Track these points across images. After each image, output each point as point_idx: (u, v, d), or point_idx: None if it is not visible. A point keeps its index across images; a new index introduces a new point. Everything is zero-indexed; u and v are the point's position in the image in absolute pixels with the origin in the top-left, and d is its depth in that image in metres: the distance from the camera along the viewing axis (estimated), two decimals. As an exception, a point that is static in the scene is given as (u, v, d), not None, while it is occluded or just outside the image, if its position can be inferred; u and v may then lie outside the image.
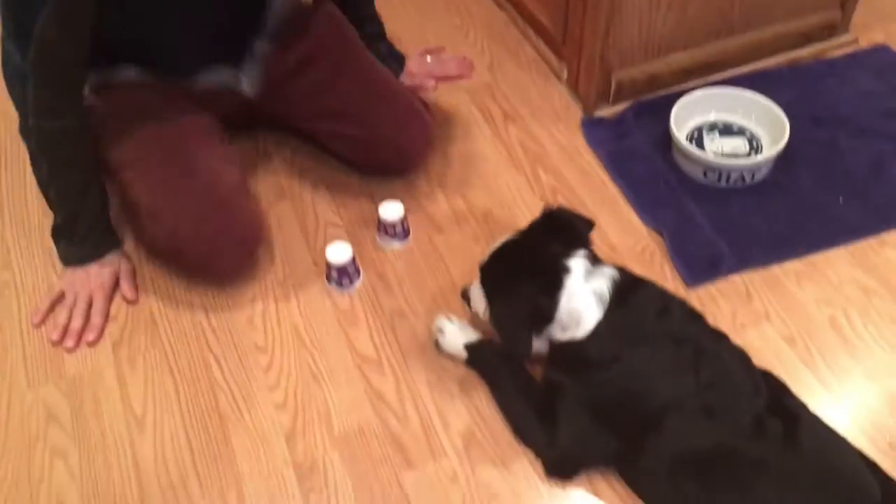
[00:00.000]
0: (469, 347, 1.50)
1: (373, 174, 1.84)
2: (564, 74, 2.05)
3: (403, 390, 1.50)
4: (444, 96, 2.04)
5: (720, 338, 1.38)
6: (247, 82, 1.68)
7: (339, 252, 1.60)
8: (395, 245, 1.71)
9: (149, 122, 1.61)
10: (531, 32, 2.17)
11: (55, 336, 1.58)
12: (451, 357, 1.52)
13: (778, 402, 1.31)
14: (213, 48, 1.63)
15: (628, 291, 1.34)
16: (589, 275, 1.34)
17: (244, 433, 1.45)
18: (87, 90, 1.54)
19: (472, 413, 1.46)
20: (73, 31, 1.39)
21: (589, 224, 1.47)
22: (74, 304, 1.60)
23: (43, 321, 1.61)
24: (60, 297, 1.62)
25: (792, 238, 1.70)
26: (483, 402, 1.47)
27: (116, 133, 1.60)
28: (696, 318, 1.39)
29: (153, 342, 1.57)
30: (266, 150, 1.92)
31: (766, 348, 1.54)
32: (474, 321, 1.55)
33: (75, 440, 1.44)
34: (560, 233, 1.40)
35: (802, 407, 1.34)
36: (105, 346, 1.57)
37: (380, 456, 1.41)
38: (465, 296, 1.52)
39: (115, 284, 1.65)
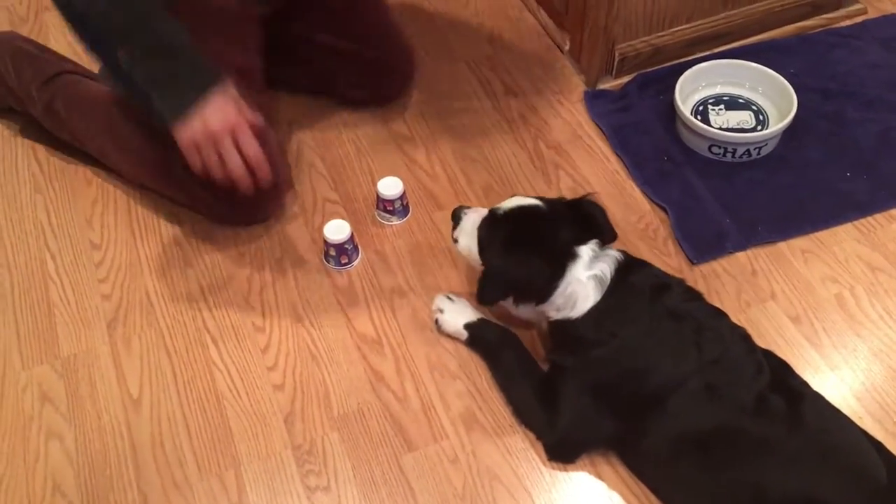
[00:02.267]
0: (469, 327, 1.47)
1: (363, 100, 1.86)
2: (567, 46, 2.00)
3: (403, 370, 1.48)
4: (444, 68, 2.00)
5: (720, 315, 1.37)
6: None
7: (337, 230, 1.57)
8: (395, 221, 1.68)
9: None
10: (532, 2, 2.12)
11: (223, 181, 1.46)
12: (452, 337, 1.50)
13: (781, 381, 1.30)
14: None
15: (627, 273, 1.33)
16: (593, 259, 1.33)
17: (242, 414, 1.43)
18: None
19: (472, 394, 1.44)
20: None
21: (612, 234, 1.43)
22: (218, 147, 1.43)
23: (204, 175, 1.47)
24: (194, 151, 1.44)
25: (798, 214, 1.67)
26: (484, 383, 1.45)
27: None
28: (694, 295, 1.38)
29: (149, 322, 1.55)
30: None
31: (771, 326, 1.52)
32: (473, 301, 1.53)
33: (70, 421, 1.43)
34: (583, 223, 1.39)
35: (805, 386, 1.32)
36: (100, 325, 1.55)
37: (379, 437, 1.40)
38: (456, 217, 1.48)
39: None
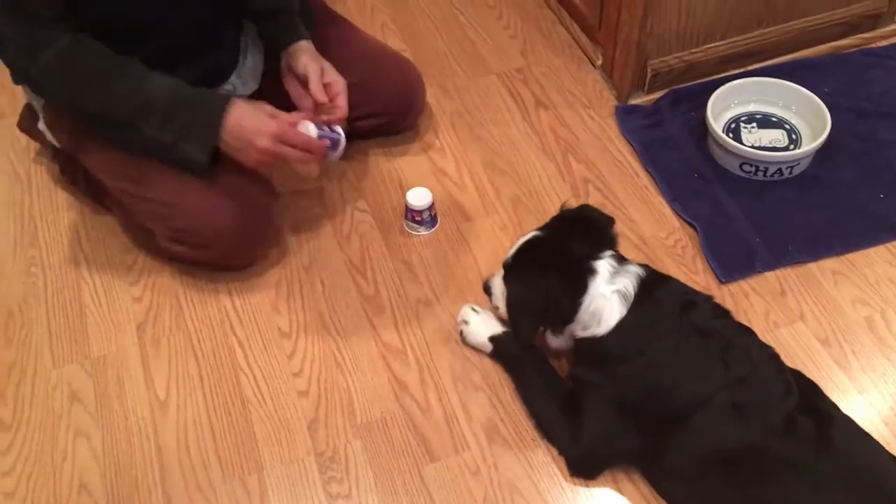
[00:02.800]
0: (494, 339, 1.48)
1: (375, 129, 1.83)
2: (599, 60, 2.00)
3: (427, 380, 1.48)
4: (476, 80, 2.00)
5: (748, 333, 1.35)
6: (239, 84, 1.66)
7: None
8: (423, 232, 1.69)
9: None
10: (565, 15, 2.13)
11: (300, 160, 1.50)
12: (476, 349, 1.50)
13: (810, 402, 1.28)
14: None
15: (653, 288, 1.32)
16: (614, 275, 1.32)
17: (266, 419, 1.44)
18: None
19: (495, 406, 1.44)
20: None
21: (610, 221, 1.44)
22: (280, 158, 1.48)
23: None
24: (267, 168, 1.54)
25: (829, 235, 1.66)
26: (507, 396, 1.45)
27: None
28: (722, 312, 1.37)
29: (178, 324, 1.57)
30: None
31: (799, 348, 1.50)
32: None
33: (98, 421, 1.45)
34: (585, 231, 1.39)
35: (835, 408, 1.30)
36: (130, 327, 1.57)
37: (402, 447, 1.40)
38: (487, 289, 1.50)
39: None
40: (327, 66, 1.62)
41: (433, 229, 1.70)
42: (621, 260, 1.36)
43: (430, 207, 1.67)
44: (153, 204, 1.55)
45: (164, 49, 1.50)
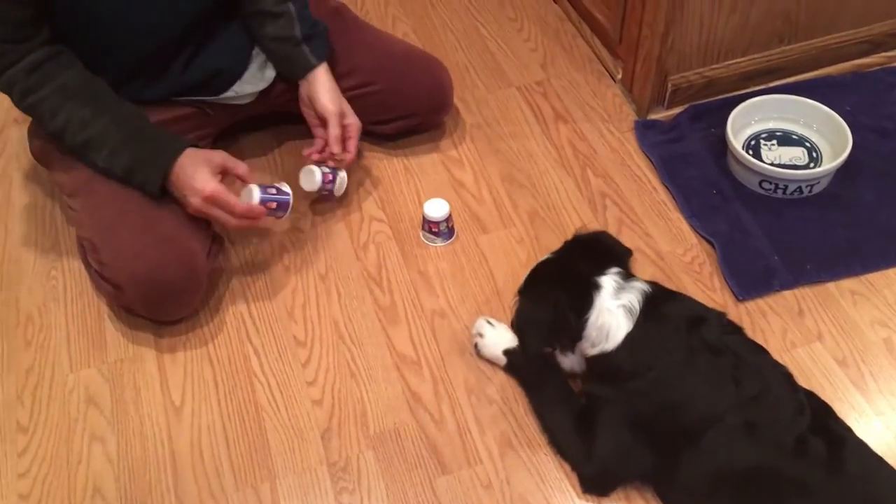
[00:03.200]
0: (508, 353, 1.48)
1: (403, 131, 1.84)
2: (619, 74, 2.00)
3: (441, 392, 1.48)
4: (496, 92, 2.01)
5: (760, 351, 1.34)
6: (248, 91, 1.68)
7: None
8: (440, 243, 1.70)
9: None
10: (586, 29, 2.13)
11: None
12: (490, 361, 1.50)
13: (822, 423, 1.27)
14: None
15: (661, 303, 1.32)
16: (619, 290, 1.32)
17: (280, 427, 1.45)
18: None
19: (509, 420, 1.44)
20: None
21: (628, 252, 1.47)
22: (212, 217, 1.50)
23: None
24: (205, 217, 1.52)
25: (849, 255, 1.64)
26: (521, 410, 1.45)
27: (69, 155, 1.52)
28: (734, 329, 1.35)
29: (194, 330, 1.58)
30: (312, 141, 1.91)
31: (816, 368, 1.49)
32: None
33: (114, 426, 1.46)
34: (596, 253, 1.40)
35: (848, 430, 1.29)
36: (147, 332, 1.58)
37: (414, 458, 1.40)
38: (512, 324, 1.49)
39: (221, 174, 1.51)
40: (346, 107, 1.67)
41: (450, 241, 1.70)
42: (627, 276, 1.36)
43: (448, 219, 1.67)
44: (89, 230, 1.53)
45: (148, 54, 1.52)
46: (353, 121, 1.67)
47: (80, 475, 1.40)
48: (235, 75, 1.66)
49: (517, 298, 1.41)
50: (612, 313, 1.30)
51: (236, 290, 1.64)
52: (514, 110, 1.97)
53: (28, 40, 1.41)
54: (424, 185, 1.81)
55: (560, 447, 1.39)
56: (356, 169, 1.84)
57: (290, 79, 1.69)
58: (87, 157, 1.49)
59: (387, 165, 1.85)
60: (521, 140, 1.90)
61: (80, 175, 1.52)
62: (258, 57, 1.69)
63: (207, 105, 1.67)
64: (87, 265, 1.58)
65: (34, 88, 1.43)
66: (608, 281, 1.33)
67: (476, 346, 1.51)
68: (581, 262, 1.38)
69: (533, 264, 1.44)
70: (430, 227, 1.68)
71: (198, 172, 1.46)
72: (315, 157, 1.70)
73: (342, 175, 1.70)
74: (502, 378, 1.49)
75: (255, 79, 1.69)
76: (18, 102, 1.46)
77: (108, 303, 1.61)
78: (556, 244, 1.47)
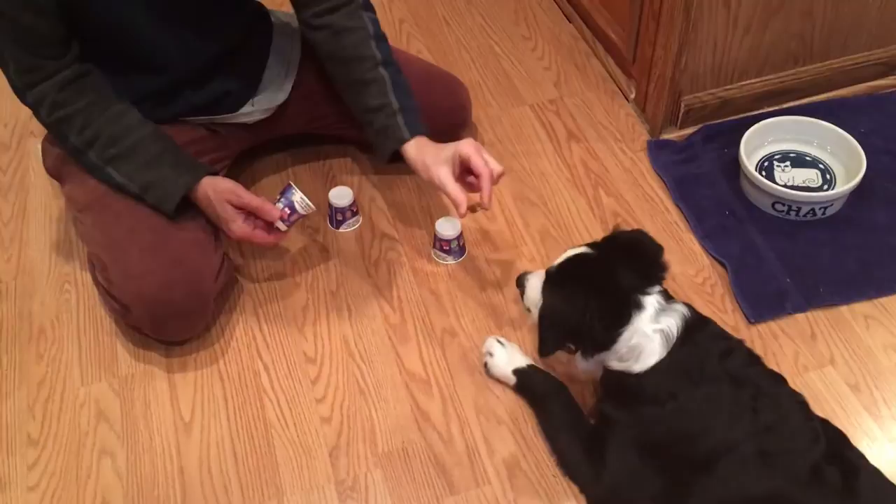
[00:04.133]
0: (518, 373, 1.47)
1: None
2: (633, 94, 2.00)
3: (450, 412, 1.48)
4: (509, 110, 2.01)
5: (779, 381, 1.33)
6: (258, 110, 1.69)
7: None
8: (451, 261, 1.70)
9: None
10: (600, 48, 2.13)
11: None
12: (500, 380, 1.50)
13: (837, 452, 1.26)
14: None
15: (694, 331, 1.29)
16: (659, 313, 1.28)
17: (288, 444, 1.45)
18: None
19: (517, 441, 1.43)
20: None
21: (660, 249, 1.40)
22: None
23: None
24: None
25: (862, 278, 1.63)
26: (530, 430, 1.44)
27: (83, 171, 1.53)
28: (755, 359, 1.34)
29: (204, 346, 1.58)
30: (328, 162, 1.92)
31: (828, 393, 1.48)
32: (524, 346, 1.53)
33: (123, 440, 1.46)
34: (635, 258, 1.34)
35: (862, 458, 1.28)
36: (158, 347, 1.58)
37: (422, 478, 1.40)
38: (521, 284, 1.48)
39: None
40: (486, 155, 1.48)
41: (461, 259, 1.70)
42: (668, 297, 1.32)
43: (459, 237, 1.67)
44: (98, 247, 1.54)
45: (168, 81, 1.55)
46: (495, 165, 1.48)
47: (90, 490, 1.41)
48: (244, 98, 1.67)
49: (542, 275, 1.38)
50: (649, 337, 1.27)
51: (247, 306, 1.65)
52: (527, 129, 1.97)
53: (61, 57, 1.44)
54: (436, 204, 1.81)
55: (569, 468, 1.38)
56: (368, 187, 1.85)
57: (392, 153, 1.59)
58: (107, 172, 1.50)
59: (399, 183, 1.85)
60: (533, 159, 1.90)
61: (93, 191, 1.53)
62: (269, 79, 1.70)
63: (219, 126, 1.68)
64: (96, 282, 1.60)
65: (65, 103, 1.45)
66: (651, 302, 1.29)
67: (486, 365, 1.51)
68: (622, 269, 1.31)
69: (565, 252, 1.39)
70: (441, 245, 1.68)
71: (225, 212, 1.50)
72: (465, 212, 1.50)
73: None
74: (511, 398, 1.49)
75: (266, 100, 1.70)
76: (46, 116, 1.47)
77: (115, 320, 1.62)
78: (568, 264, 1.46)
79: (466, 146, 1.47)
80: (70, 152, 1.52)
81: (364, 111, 1.60)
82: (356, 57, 1.58)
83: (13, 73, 1.44)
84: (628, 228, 1.44)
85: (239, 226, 1.50)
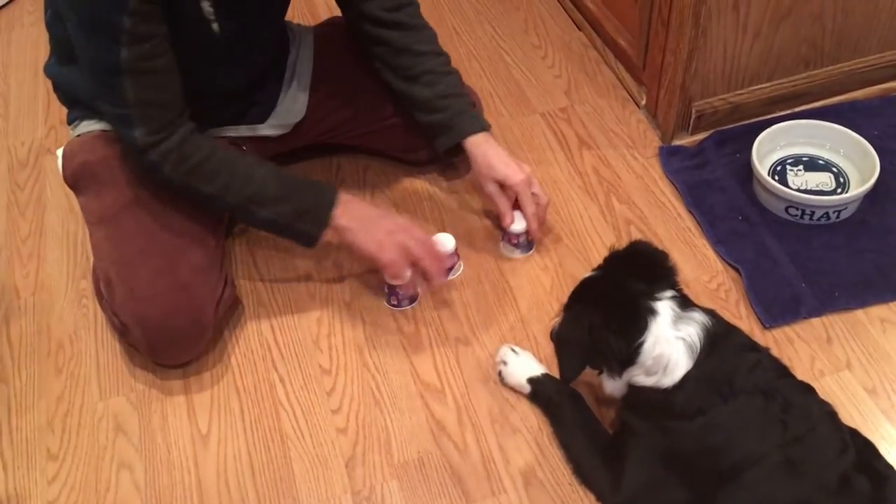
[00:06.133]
0: (532, 381, 1.47)
1: (434, 158, 1.84)
2: (643, 100, 2.00)
3: (465, 421, 1.48)
4: (520, 119, 2.02)
5: (808, 392, 1.30)
6: (268, 126, 1.71)
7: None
8: (518, 254, 1.72)
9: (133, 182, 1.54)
10: (610, 55, 2.13)
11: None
12: (514, 389, 1.50)
13: (867, 461, 1.24)
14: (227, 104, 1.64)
15: (719, 341, 1.25)
16: (677, 320, 1.25)
17: (305, 456, 1.46)
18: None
19: (533, 450, 1.43)
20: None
21: (664, 255, 1.38)
22: (403, 258, 1.53)
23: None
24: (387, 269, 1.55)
25: (878, 281, 1.62)
26: (545, 439, 1.44)
27: (103, 183, 1.55)
28: (784, 370, 1.31)
29: (220, 358, 1.60)
30: (339, 170, 1.93)
31: (845, 397, 1.47)
32: (538, 354, 1.53)
33: (142, 453, 1.47)
34: (640, 267, 1.32)
35: (891, 468, 1.26)
36: (174, 360, 1.60)
37: (438, 488, 1.40)
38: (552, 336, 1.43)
39: None
40: (536, 188, 1.65)
41: (529, 253, 1.72)
42: (684, 303, 1.28)
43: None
44: (107, 262, 1.53)
45: (207, 101, 1.54)
46: (538, 190, 1.64)
47: (109, 503, 1.42)
48: (267, 109, 1.69)
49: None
50: (672, 344, 1.23)
51: (262, 318, 1.66)
52: (539, 137, 1.98)
53: (185, 112, 1.45)
54: (447, 213, 1.82)
55: (586, 477, 1.37)
56: (379, 194, 1.86)
57: (454, 145, 1.67)
58: (250, 210, 1.50)
59: (412, 193, 1.86)
60: (545, 167, 1.91)
61: (109, 206, 1.54)
62: (288, 90, 1.71)
63: (242, 140, 1.69)
64: (98, 293, 1.60)
65: (190, 156, 1.44)
66: (665, 308, 1.24)
67: (500, 373, 1.51)
68: (627, 279, 1.29)
69: (556, 291, 1.42)
70: (510, 238, 1.70)
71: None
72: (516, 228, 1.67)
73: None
74: (526, 406, 1.49)
75: (286, 112, 1.71)
76: (171, 171, 1.44)
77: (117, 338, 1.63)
78: (581, 271, 1.47)
79: (519, 182, 1.62)
80: (205, 200, 1.50)
81: (438, 97, 1.65)
82: (432, 52, 1.68)
83: (141, 134, 1.40)
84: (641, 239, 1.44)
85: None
